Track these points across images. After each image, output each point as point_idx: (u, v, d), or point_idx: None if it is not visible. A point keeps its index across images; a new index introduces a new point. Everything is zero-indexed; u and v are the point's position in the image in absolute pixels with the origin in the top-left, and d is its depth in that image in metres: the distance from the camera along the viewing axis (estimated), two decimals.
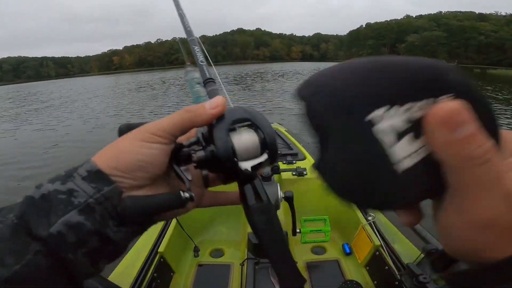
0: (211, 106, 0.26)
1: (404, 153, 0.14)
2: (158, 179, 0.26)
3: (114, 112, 8.46)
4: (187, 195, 0.25)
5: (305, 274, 1.09)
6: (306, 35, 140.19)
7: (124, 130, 0.27)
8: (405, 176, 0.15)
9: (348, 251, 1.21)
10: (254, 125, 0.27)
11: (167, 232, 1.11)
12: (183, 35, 0.50)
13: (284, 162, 1.52)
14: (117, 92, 15.16)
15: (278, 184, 0.87)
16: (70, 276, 0.21)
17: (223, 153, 0.25)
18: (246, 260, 1.05)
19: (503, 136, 0.15)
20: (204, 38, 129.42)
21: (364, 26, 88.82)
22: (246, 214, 0.30)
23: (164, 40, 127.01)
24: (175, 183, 0.28)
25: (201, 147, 0.26)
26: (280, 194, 0.87)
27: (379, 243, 1.00)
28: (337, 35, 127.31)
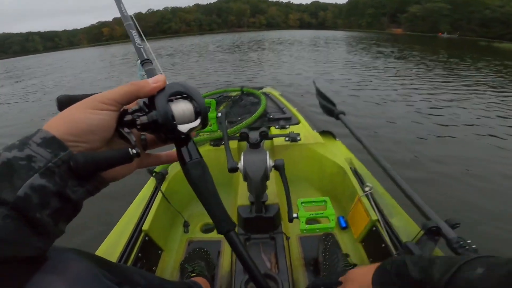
0: (153, 81, 0.31)
1: None
2: (106, 143, 0.30)
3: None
4: (134, 151, 0.29)
5: (298, 248, 1.05)
6: (304, 3, 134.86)
7: (63, 100, 0.31)
8: None
9: (344, 225, 1.15)
10: (189, 97, 0.33)
11: (151, 208, 1.04)
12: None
13: (277, 127, 1.42)
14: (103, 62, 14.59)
15: (267, 152, 0.78)
16: (36, 233, 0.23)
17: (164, 117, 0.30)
18: None
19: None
20: (197, 7, 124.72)
21: None
22: (183, 171, 0.35)
23: (155, 10, 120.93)
24: (120, 146, 0.31)
25: (143, 113, 0.31)
26: (270, 162, 0.78)
27: (376, 218, 0.94)
28: (336, 3, 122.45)
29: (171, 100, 0.32)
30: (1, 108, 6.24)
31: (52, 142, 0.24)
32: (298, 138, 1.29)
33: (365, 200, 1.03)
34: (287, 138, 1.31)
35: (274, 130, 1.42)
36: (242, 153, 0.84)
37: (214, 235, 1.16)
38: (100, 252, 0.83)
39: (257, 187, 0.82)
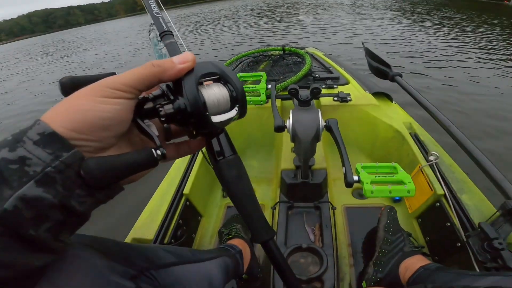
0: (180, 61, 0.25)
1: None
2: (121, 138, 0.24)
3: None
4: (159, 152, 0.23)
5: (343, 220, 0.96)
6: None
7: (67, 84, 0.25)
8: None
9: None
10: (223, 80, 0.27)
11: (192, 170, 1.00)
12: None
13: (324, 86, 1.28)
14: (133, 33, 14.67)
15: (319, 110, 0.68)
16: (31, 251, 0.19)
17: (194, 106, 0.24)
18: (278, 204, 0.94)
19: None
20: None
21: None
22: (214, 169, 0.31)
23: None
24: (136, 139, 0.27)
25: (168, 101, 0.25)
26: (321, 122, 0.68)
27: (442, 192, 0.80)
28: None
29: (201, 84, 0.26)
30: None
31: (52, 140, 0.19)
32: (349, 99, 1.15)
33: (428, 170, 0.89)
34: (335, 98, 1.17)
35: (321, 90, 1.28)
36: (291, 111, 0.75)
37: None
38: (141, 220, 0.82)
39: (306, 149, 0.73)
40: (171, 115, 0.24)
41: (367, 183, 0.58)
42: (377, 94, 1.25)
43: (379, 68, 1.15)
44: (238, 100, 0.27)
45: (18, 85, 5.95)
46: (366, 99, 1.19)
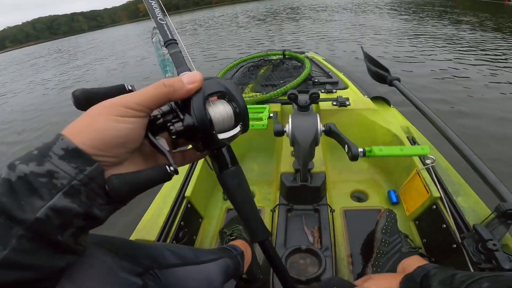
0: (189, 81, 0.26)
1: None
2: (134, 151, 0.26)
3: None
4: (172, 168, 0.26)
5: (342, 223, 0.98)
6: None
7: (80, 97, 0.26)
8: None
9: (394, 200, 1.04)
10: (227, 96, 0.29)
11: (193, 173, 1.02)
12: None
13: (323, 91, 1.30)
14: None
15: (318, 115, 0.70)
16: (57, 253, 0.22)
17: (202, 125, 0.26)
18: (278, 206, 0.96)
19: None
20: None
21: None
22: (218, 178, 0.34)
23: None
24: (147, 149, 0.28)
25: (177, 119, 0.27)
26: (320, 126, 0.71)
27: (438, 195, 0.82)
28: None
29: (207, 100, 0.28)
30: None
31: (76, 155, 0.21)
32: (347, 103, 1.17)
33: (425, 174, 0.90)
34: (334, 103, 1.19)
35: (320, 94, 1.30)
36: (290, 115, 0.77)
37: None
38: (144, 222, 0.83)
39: (305, 152, 0.75)
40: (180, 132, 0.26)
41: (373, 150, 0.60)
42: (376, 99, 1.27)
43: (378, 72, 1.17)
44: (241, 116, 0.29)
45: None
46: (365, 104, 1.21)
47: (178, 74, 0.29)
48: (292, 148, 0.87)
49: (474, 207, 0.77)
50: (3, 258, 0.19)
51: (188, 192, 0.94)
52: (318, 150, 0.98)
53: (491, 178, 0.74)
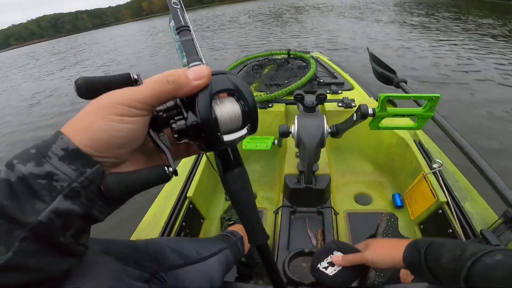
0: (195, 77, 0.24)
1: None
2: (136, 149, 0.25)
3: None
4: (171, 169, 0.25)
5: (345, 226, 0.96)
6: None
7: (82, 86, 0.24)
8: None
9: (399, 203, 1.03)
10: (236, 94, 0.27)
11: (196, 173, 1.01)
12: None
13: (328, 91, 1.28)
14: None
15: (324, 116, 0.69)
16: (59, 255, 0.21)
17: (207, 125, 0.24)
18: (281, 208, 0.94)
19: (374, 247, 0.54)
20: None
21: None
22: (221, 179, 0.32)
23: None
24: (150, 144, 0.27)
25: (181, 116, 0.25)
26: (326, 128, 0.69)
27: (445, 200, 0.80)
28: None
29: (214, 98, 0.26)
30: None
31: (76, 156, 0.20)
32: (353, 104, 1.15)
33: (432, 178, 0.89)
34: (340, 104, 1.18)
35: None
36: (296, 116, 0.75)
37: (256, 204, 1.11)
38: (145, 222, 0.82)
39: (311, 154, 0.73)
40: (182, 131, 0.25)
41: (377, 122, 0.59)
42: None
43: (384, 73, 1.15)
44: (250, 117, 0.27)
45: None
46: (371, 105, 1.20)
47: (188, 64, 0.27)
48: (296, 149, 0.86)
49: (482, 213, 0.76)
50: (6, 260, 0.18)
51: (190, 193, 0.93)
52: (323, 152, 0.97)
53: (500, 184, 0.72)
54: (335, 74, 1.46)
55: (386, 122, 0.67)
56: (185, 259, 0.48)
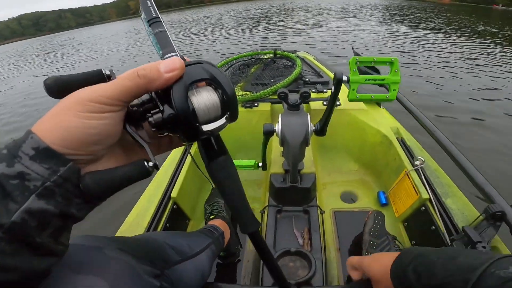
0: (166, 69, 0.24)
1: None
2: (113, 145, 0.25)
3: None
4: (151, 164, 0.24)
5: (331, 224, 0.96)
6: None
7: (52, 86, 0.24)
8: None
9: (384, 201, 1.04)
10: (213, 84, 0.26)
11: (180, 174, 0.99)
12: None
13: (313, 90, 1.29)
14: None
15: (308, 114, 0.69)
16: (37, 255, 0.21)
17: (184, 117, 0.24)
18: (267, 207, 0.94)
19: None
20: None
21: None
22: (207, 169, 0.31)
23: None
24: (129, 138, 0.26)
25: (157, 109, 0.25)
26: (310, 126, 0.69)
27: (427, 197, 0.82)
28: None
29: (190, 88, 0.25)
30: None
31: (47, 155, 0.20)
32: (338, 103, 1.16)
33: (414, 175, 0.90)
34: (325, 103, 1.19)
35: (311, 94, 1.30)
36: (280, 114, 0.75)
37: None
38: (127, 223, 0.80)
39: (295, 153, 0.73)
40: (160, 123, 0.24)
41: (354, 89, 0.60)
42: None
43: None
44: (229, 105, 0.27)
45: None
46: (355, 104, 1.21)
47: (163, 56, 0.27)
48: (281, 148, 0.86)
49: (463, 209, 0.77)
50: None
51: (174, 193, 0.91)
52: (308, 151, 0.97)
53: (480, 179, 0.74)
54: (320, 73, 1.47)
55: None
56: (181, 255, 0.50)
